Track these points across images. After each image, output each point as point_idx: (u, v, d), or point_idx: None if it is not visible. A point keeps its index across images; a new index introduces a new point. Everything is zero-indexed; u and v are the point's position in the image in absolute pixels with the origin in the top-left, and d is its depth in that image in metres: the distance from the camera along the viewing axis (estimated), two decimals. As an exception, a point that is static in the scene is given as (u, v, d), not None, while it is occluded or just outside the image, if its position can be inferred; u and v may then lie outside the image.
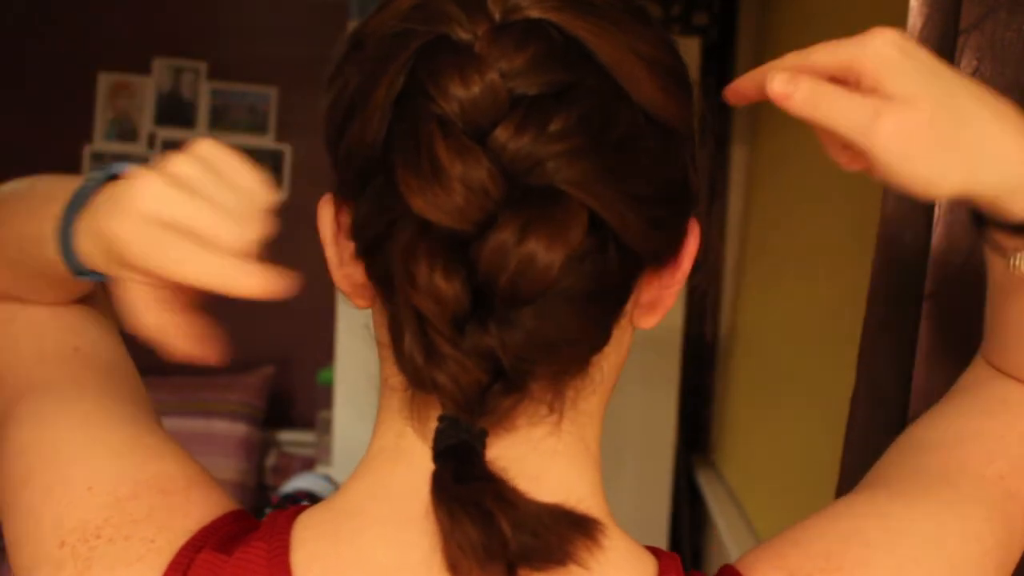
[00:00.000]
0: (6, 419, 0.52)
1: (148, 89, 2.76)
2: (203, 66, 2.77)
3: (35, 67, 2.69)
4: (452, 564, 0.39)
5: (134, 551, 0.45)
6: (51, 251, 0.47)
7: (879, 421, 0.71)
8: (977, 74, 0.62)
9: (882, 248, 0.73)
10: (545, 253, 0.38)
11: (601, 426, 0.49)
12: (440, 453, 0.41)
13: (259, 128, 2.79)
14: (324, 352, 2.45)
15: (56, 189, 0.48)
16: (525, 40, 0.40)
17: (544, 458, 0.45)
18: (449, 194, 0.38)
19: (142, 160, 0.46)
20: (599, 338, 0.44)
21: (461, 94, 0.39)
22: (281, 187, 2.81)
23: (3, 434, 0.52)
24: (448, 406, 0.41)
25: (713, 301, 2.16)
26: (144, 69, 2.76)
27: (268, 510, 0.50)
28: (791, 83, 0.43)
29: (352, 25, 2.09)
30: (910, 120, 0.41)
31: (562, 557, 0.39)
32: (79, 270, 0.46)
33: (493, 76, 0.39)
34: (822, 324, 1.40)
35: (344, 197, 0.46)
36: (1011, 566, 0.50)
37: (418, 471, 0.44)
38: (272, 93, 2.78)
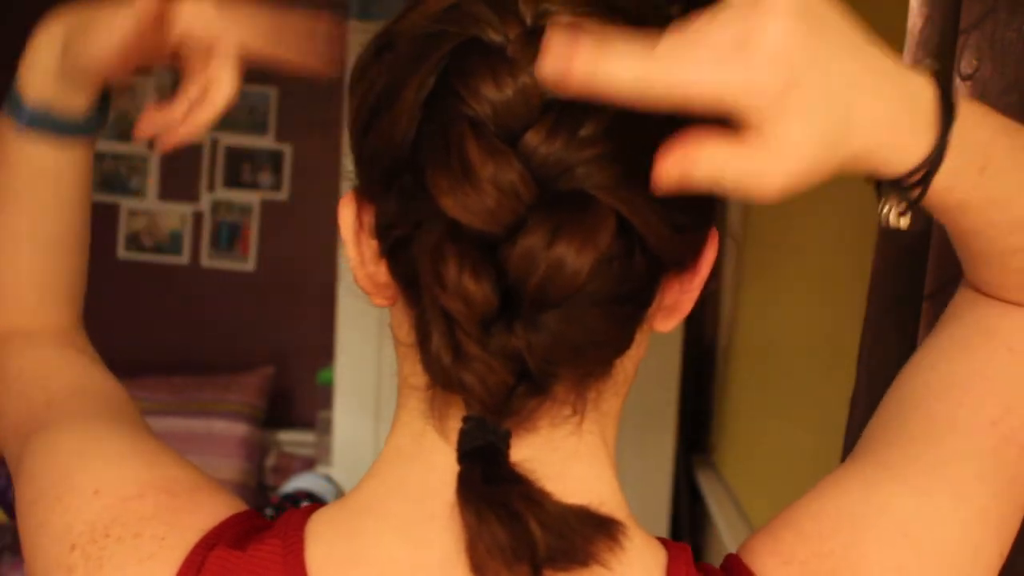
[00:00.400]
0: (22, 458, 0.54)
1: (148, 89, 2.77)
2: (203, 66, 2.77)
3: (35, 67, 2.70)
4: (477, 565, 0.39)
5: (145, 548, 0.45)
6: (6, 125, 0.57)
7: (879, 421, 0.71)
8: (977, 74, 0.62)
9: (882, 248, 0.73)
10: (575, 257, 0.38)
11: (618, 426, 0.49)
12: (466, 454, 0.41)
13: (259, 128, 2.79)
14: (324, 352, 2.45)
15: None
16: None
17: (565, 459, 0.45)
18: (480, 195, 0.39)
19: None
20: (624, 341, 0.44)
21: (493, 96, 0.39)
22: (281, 187, 2.81)
23: (19, 473, 0.54)
24: (474, 406, 0.41)
25: (713, 301, 2.16)
26: (144, 69, 2.76)
27: (268, 510, 0.51)
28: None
29: (352, 25, 2.09)
30: (793, 175, 0.38)
31: (585, 558, 0.39)
32: (22, 108, 0.56)
33: (526, 79, 0.39)
34: (822, 324, 1.40)
35: (368, 196, 0.46)
36: (1017, 514, 0.48)
37: (438, 471, 0.44)
38: (272, 93, 2.78)
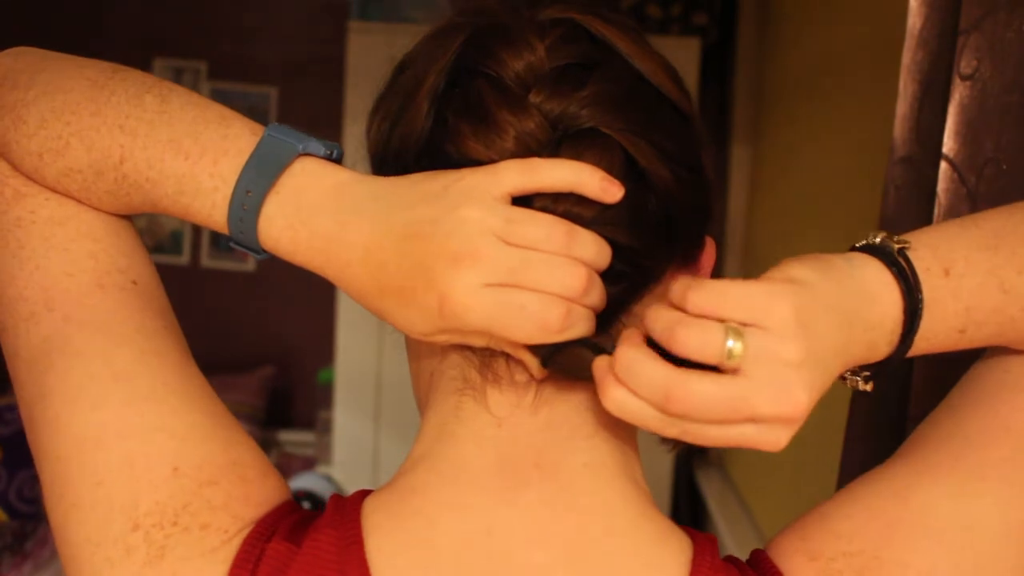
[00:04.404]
0: (61, 348, 0.47)
1: (148, 89, 2.76)
2: (203, 66, 2.77)
3: (35, 67, 2.69)
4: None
5: (209, 542, 0.44)
6: (203, 206, 0.45)
7: (879, 421, 0.71)
8: (977, 74, 0.62)
9: (882, 248, 0.73)
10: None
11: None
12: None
13: (259, 128, 2.79)
14: (324, 352, 2.45)
15: (212, 130, 0.46)
16: (555, 25, 0.47)
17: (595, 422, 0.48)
18: (502, 137, 0.44)
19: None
20: (637, 271, 0.46)
21: (513, 63, 0.45)
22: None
23: (56, 364, 0.47)
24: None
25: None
26: (144, 69, 2.75)
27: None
28: (604, 378, 0.41)
29: (352, 25, 2.09)
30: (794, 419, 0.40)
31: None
32: (252, 246, 0.45)
33: (540, 49, 0.45)
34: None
35: None
36: None
37: (474, 437, 0.47)
38: (272, 93, 2.78)
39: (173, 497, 0.44)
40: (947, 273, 0.45)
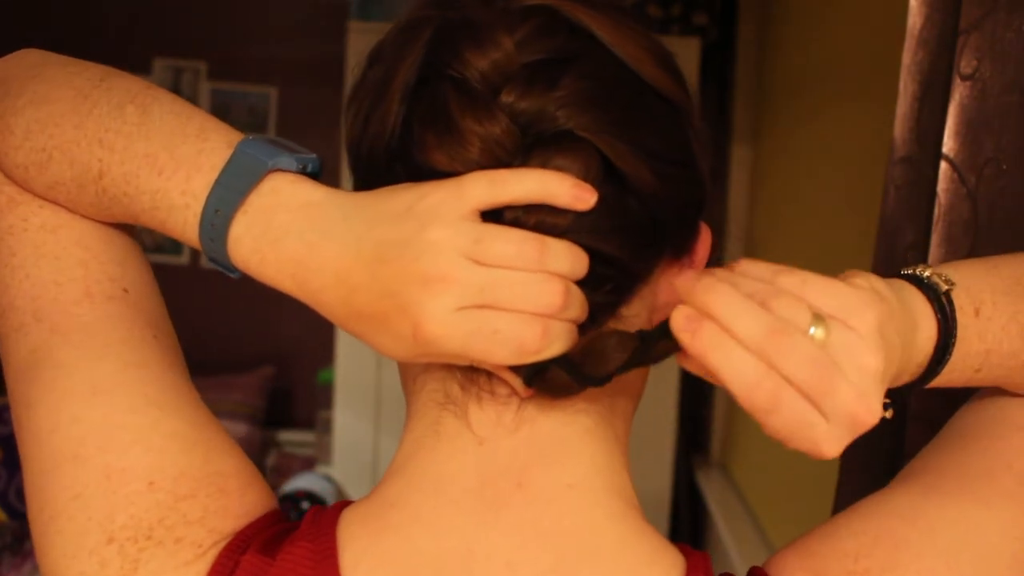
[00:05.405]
0: (46, 360, 0.47)
1: (148, 89, 2.76)
2: (203, 66, 2.77)
3: (35, 67, 2.69)
4: None
5: (183, 555, 0.44)
6: (176, 223, 0.44)
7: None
8: (977, 74, 0.62)
9: (882, 247, 0.73)
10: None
11: (630, 421, 0.51)
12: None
13: (259, 128, 2.79)
14: (324, 352, 2.45)
15: (189, 145, 0.44)
16: (529, 15, 0.43)
17: (580, 434, 0.46)
18: (464, 147, 0.41)
19: (286, 149, 0.45)
20: (622, 275, 0.45)
21: (478, 62, 0.42)
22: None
23: (41, 376, 0.47)
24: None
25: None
26: (144, 69, 2.76)
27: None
28: (694, 321, 0.39)
29: (352, 25, 2.09)
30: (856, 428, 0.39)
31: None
32: (225, 265, 0.44)
33: (507, 45, 0.42)
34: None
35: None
36: None
37: (456, 456, 0.45)
38: (272, 93, 2.78)
39: (148, 511, 0.44)
40: (977, 314, 0.46)
